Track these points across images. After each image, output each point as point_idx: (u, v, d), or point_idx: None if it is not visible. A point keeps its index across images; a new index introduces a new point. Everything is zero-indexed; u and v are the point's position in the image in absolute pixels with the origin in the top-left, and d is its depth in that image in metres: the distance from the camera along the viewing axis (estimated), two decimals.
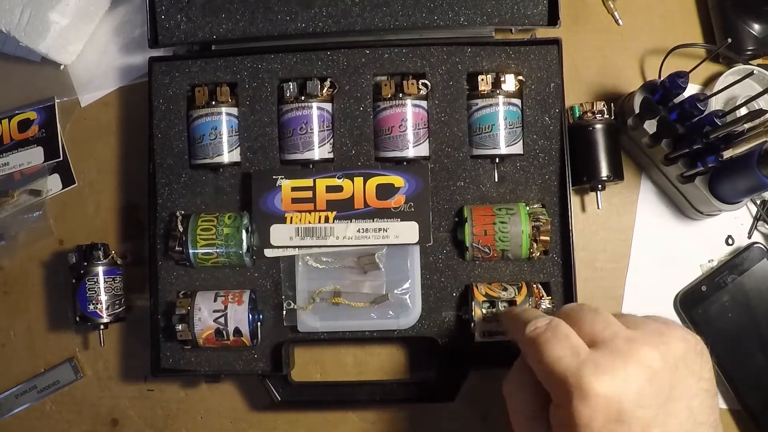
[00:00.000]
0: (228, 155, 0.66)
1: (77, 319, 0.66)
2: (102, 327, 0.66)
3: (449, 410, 0.68)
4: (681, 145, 0.60)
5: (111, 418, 0.71)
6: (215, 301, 0.63)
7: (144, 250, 0.70)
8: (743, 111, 0.59)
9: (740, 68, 0.67)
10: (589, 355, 0.41)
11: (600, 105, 0.65)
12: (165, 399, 0.71)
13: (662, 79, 0.61)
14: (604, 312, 0.45)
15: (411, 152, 0.65)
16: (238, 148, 0.67)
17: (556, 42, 0.65)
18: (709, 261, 0.69)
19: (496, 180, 0.66)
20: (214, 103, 0.66)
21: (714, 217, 0.68)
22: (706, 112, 0.58)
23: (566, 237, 0.64)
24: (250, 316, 0.63)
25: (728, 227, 0.69)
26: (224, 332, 0.63)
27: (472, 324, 0.62)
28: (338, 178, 0.64)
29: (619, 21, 0.72)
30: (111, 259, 0.66)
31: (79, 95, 0.74)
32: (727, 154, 0.59)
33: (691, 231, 0.69)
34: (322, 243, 0.64)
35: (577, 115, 0.65)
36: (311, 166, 0.66)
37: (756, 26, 0.67)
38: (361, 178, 0.64)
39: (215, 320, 0.62)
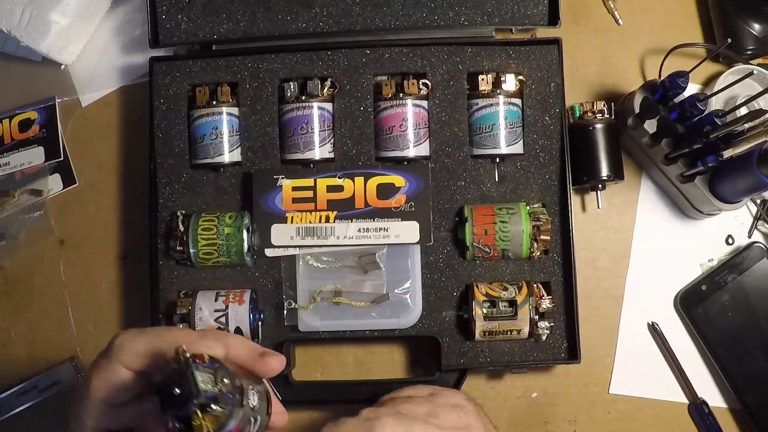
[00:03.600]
0: (229, 155, 0.66)
1: None
2: None
3: None
4: (681, 144, 0.61)
5: None
6: (216, 300, 0.63)
7: (145, 249, 0.70)
8: (743, 111, 0.59)
9: (740, 68, 0.67)
10: None
11: (600, 105, 0.65)
12: None
13: (662, 78, 0.61)
14: None
15: (411, 152, 0.65)
16: (239, 147, 0.67)
17: (557, 42, 0.65)
18: (709, 260, 0.69)
19: (497, 180, 0.66)
20: (214, 102, 0.66)
21: (714, 216, 0.68)
22: (706, 112, 0.58)
23: (566, 236, 0.64)
24: (251, 316, 0.63)
25: (728, 226, 0.69)
26: (225, 332, 0.63)
27: (473, 323, 0.62)
28: (339, 177, 0.64)
29: (620, 21, 0.72)
30: None
31: (79, 95, 0.74)
32: (727, 153, 0.59)
33: (691, 230, 0.69)
34: (323, 242, 0.64)
35: (578, 115, 0.66)
36: (312, 166, 0.66)
37: (756, 26, 0.67)
38: (362, 177, 0.64)
39: (216, 320, 0.63)
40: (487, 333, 0.62)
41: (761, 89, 0.63)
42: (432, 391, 0.54)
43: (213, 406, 0.35)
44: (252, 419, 0.38)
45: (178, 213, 0.65)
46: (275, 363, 0.40)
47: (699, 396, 0.67)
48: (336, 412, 0.68)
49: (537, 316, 0.62)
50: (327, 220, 0.64)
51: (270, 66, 0.67)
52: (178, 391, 0.34)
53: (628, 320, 0.69)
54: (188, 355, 0.35)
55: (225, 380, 0.36)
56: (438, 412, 0.50)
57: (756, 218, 0.69)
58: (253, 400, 0.38)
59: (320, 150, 0.65)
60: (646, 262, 0.69)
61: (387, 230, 0.64)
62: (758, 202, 0.68)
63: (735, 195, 0.61)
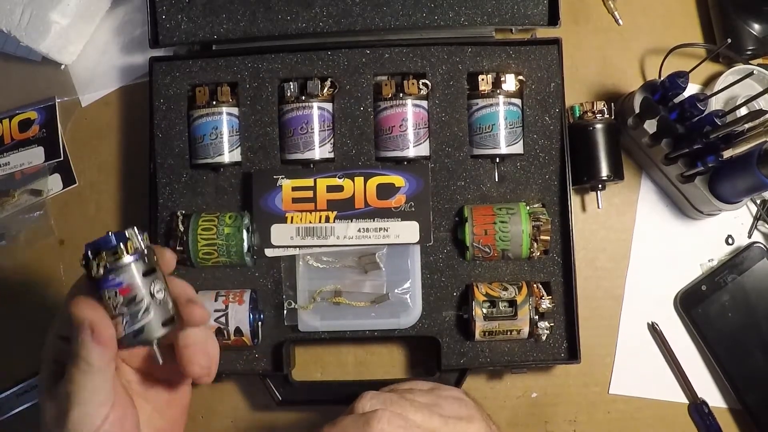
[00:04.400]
0: (229, 155, 0.66)
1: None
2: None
3: None
4: (681, 144, 0.61)
5: None
6: (216, 300, 0.63)
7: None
8: (743, 111, 0.59)
9: (740, 68, 0.68)
10: None
11: (600, 105, 0.65)
12: None
13: (662, 78, 0.61)
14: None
15: (411, 152, 0.65)
16: (239, 147, 0.67)
17: (557, 42, 0.65)
18: (709, 260, 0.69)
19: (497, 180, 0.66)
20: (214, 102, 0.66)
21: (714, 216, 0.68)
22: (706, 112, 0.58)
23: (566, 236, 0.64)
24: (251, 316, 0.63)
25: (728, 227, 0.69)
26: (225, 332, 0.63)
27: (473, 323, 0.62)
28: (339, 177, 0.64)
29: (620, 21, 0.72)
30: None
31: (79, 95, 0.74)
32: (727, 153, 0.60)
33: (691, 230, 0.69)
34: (323, 243, 0.64)
35: (578, 115, 0.66)
36: (312, 166, 0.66)
37: (756, 26, 0.67)
38: (362, 177, 0.64)
39: (216, 320, 0.63)
40: (487, 333, 0.62)
41: (761, 89, 0.63)
42: (433, 386, 0.54)
43: (122, 247, 0.38)
44: (145, 301, 0.39)
45: (178, 213, 0.65)
46: (197, 313, 0.41)
47: (699, 396, 0.67)
48: (336, 412, 0.68)
49: (537, 316, 0.62)
50: (327, 220, 0.64)
51: (270, 66, 0.67)
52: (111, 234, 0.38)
53: (628, 320, 0.69)
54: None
55: (147, 251, 0.39)
56: (440, 402, 0.50)
57: (756, 218, 0.69)
58: (159, 292, 0.40)
59: (320, 150, 0.65)
60: (646, 262, 0.69)
61: (387, 230, 0.64)
62: (758, 202, 0.68)
63: (735, 195, 0.61)
